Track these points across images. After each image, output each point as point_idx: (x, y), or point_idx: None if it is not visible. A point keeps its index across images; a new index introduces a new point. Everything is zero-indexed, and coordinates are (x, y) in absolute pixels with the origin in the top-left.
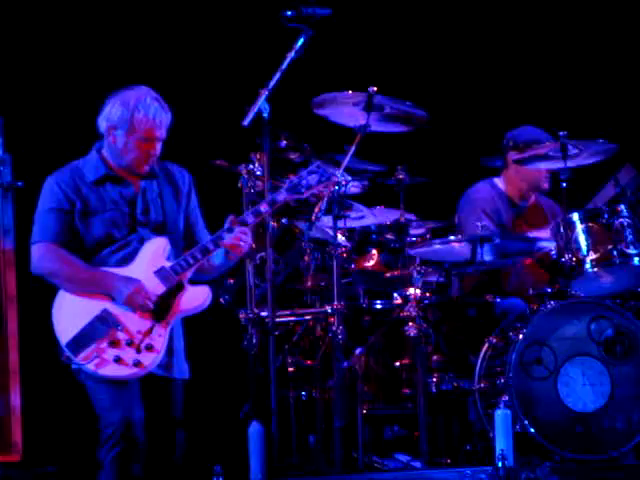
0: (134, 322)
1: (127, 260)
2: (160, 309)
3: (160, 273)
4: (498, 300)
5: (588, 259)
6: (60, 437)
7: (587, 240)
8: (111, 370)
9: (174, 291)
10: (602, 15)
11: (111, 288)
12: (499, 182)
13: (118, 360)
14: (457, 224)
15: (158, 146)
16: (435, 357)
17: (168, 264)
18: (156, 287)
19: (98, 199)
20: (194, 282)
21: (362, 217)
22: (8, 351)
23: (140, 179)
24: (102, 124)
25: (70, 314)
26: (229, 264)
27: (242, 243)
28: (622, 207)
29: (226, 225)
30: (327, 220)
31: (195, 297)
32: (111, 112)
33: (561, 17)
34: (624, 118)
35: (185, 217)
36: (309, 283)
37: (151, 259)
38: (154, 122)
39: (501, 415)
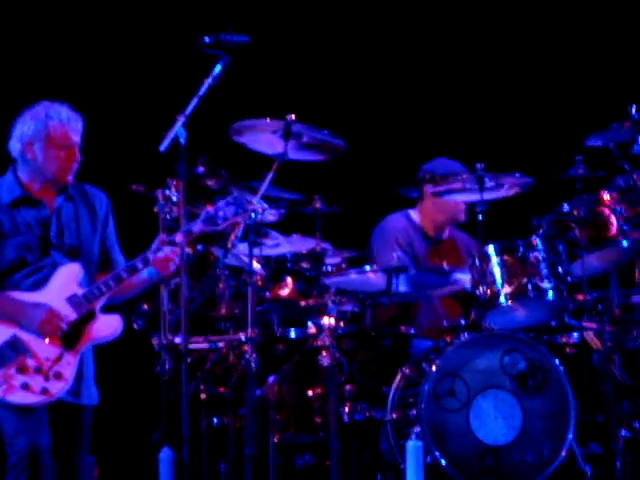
0: (43, 349)
1: (39, 285)
2: (70, 337)
3: (72, 300)
4: (414, 341)
5: (503, 292)
6: None
7: (502, 273)
8: (18, 397)
9: (85, 319)
10: (514, 45)
11: (20, 317)
12: (414, 214)
13: (25, 387)
14: (369, 254)
15: (76, 152)
16: (348, 387)
17: (80, 291)
18: (68, 314)
19: (11, 222)
20: (110, 307)
21: (278, 245)
22: None
23: (56, 197)
24: (16, 146)
25: None
26: (153, 282)
27: (171, 264)
28: (537, 241)
29: (154, 246)
30: (243, 247)
31: (106, 326)
32: (23, 129)
33: (473, 48)
34: (540, 152)
35: (101, 240)
36: (223, 310)
37: (63, 285)
38: (69, 126)
39: (412, 446)
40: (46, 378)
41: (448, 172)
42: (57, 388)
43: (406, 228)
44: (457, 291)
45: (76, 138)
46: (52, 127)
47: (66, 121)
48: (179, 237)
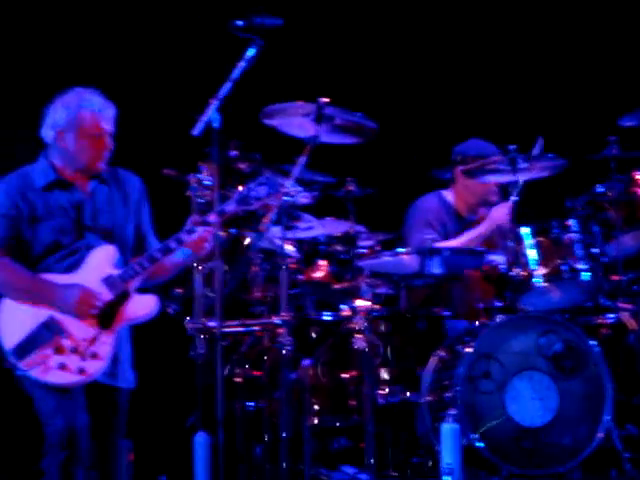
0: (79, 329)
1: (74, 267)
2: (106, 317)
3: (107, 281)
4: (448, 322)
5: (538, 273)
6: (4, 445)
7: (537, 254)
8: (55, 377)
9: (121, 299)
10: (550, 29)
11: (54, 299)
12: (447, 195)
13: (62, 367)
14: (403, 235)
15: (109, 140)
16: (383, 370)
17: (115, 272)
18: (103, 295)
19: (45, 205)
20: (145, 289)
21: (311, 228)
22: None
23: (90, 181)
24: (48, 133)
25: (15, 320)
26: (188, 263)
27: (205, 244)
28: (572, 222)
29: (187, 227)
30: (276, 231)
31: (142, 305)
32: (55, 118)
33: (506, 28)
34: (574, 133)
35: (135, 225)
36: (257, 294)
37: (98, 267)
38: (100, 115)
39: (448, 429)
40: (83, 358)
41: (480, 153)
42: (94, 368)
43: (439, 209)
44: (491, 272)
45: (108, 127)
46: (84, 116)
47: (98, 110)
48: (213, 217)
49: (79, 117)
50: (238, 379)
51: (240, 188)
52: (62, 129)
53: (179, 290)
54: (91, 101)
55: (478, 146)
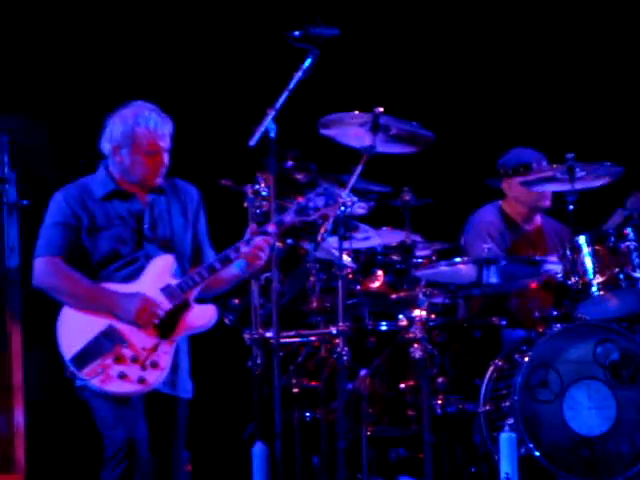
0: (139, 338)
1: (133, 277)
2: (166, 326)
3: (166, 290)
4: (505, 331)
5: (594, 282)
6: (63, 456)
7: (594, 263)
8: (115, 386)
9: (180, 309)
10: (610, 39)
11: (115, 307)
12: (505, 206)
13: (123, 376)
14: (463, 247)
15: (165, 156)
16: (440, 379)
17: (174, 281)
18: (162, 304)
19: (105, 215)
20: (203, 300)
21: (368, 238)
22: (12, 370)
23: (148, 194)
24: (105, 146)
25: (75, 329)
26: (245, 275)
27: (261, 253)
28: (629, 230)
29: (246, 237)
30: (333, 241)
31: (201, 315)
32: (112, 132)
33: (569, 41)
34: (631, 141)
35: (193, 234)
36: (314, 304)
37: (157, 276)
38: (156, 133)
39: (506, 438)
40: (143, 367)
41: (517, 163)
42: (154, 377)
43: (497, 219)
44: (548, 281)
45: (164, 144)
46: (139, 134)
47: (153, 128)
48: (271, 227)
49: (135, 134)
50: (295, 389)
51: (298, 199)
52: (118, 144)
53: (236, 300)
54: (148, 118)
55: (516, 155)
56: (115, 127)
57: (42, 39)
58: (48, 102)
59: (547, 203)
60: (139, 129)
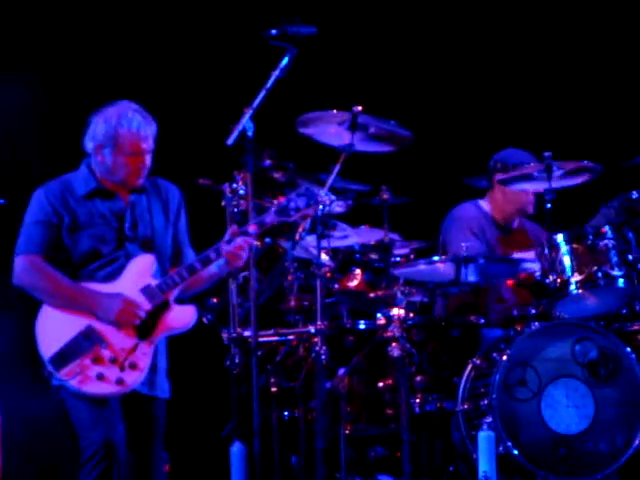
0: (118, 339)
1: (113, 276)
2: (145, 327)
3: (146, 291)
4: (484, 330)
5: (572, 280)
6: (40, 457)
7: (572, 261)
8: (94, 387)
9: (160, 309)
10: (587, 37)
11: (95, 307)
12: (483, 204)
13: (101, 377)
14: (442, 244)
15: (147, 158)
16: (418, 378)
17: (154, 282)
18: (142, 305)
19: (87, 214)
20: (182, 300)
21: (346, 237)
22: None
23: (130, 193)
24: (88, 144)
25: (54, 329)
26: (223, 274)
27: (242, 253)
28: (607, 229)
29: (226, 237)
30: (311, 239)
31: (181, 316)
32: (95, 131)
33: (545, 40)
34: (609, 139)
35: (173, 234)
36: (292, 303)
37: (137, 276)
38: (139, 135)
39: (484, 437)
40: (121, 368)
41: (519, 162)
42: (132, 378)
43: (478, 217)
44: (526, 279)
45: (146, 146)
46: (122, 135)
47: (136, 130)
48: (252, 228)
49: (117, 134)
50: (273, 389)
51: (279, 199)
52: (100, 143)
53: (214, 300)
54: (131, 119)
55: (517, 155)
56: (98, 127)
57: (25, 31)
58: (26, 101)
59: (531, 209)
60: (122, 130)
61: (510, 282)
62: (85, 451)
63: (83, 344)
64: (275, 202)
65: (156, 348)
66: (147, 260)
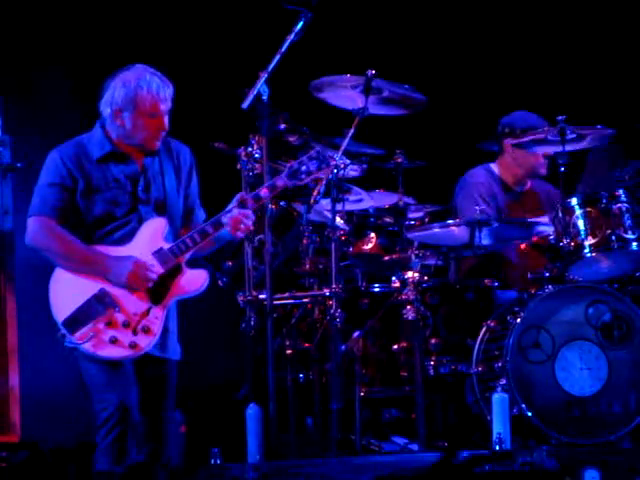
0: (131, 303)
1: (126, 239)
2: (157, 291)
3: (158, 254)
4: (498, 292)
5: (586, 244)
6: (58, 418)
7: (585, 225)
8: (107, 351)
9: (172, 273)
10: (599, 3)
11: (107, 270)
12: (495, 167)
13: (114, 341)
14: (454, 209)
15: (166, 120)
16: (433, 340)
17: (166, 245)
18: (154, 268)
19: (101, 177)
20: (195, 263)
21: (360, 200)
22: (7, 331)
23: (144, 156)
24: (105, 109)
25: (67, 292)
26: (229, 239)
27: (242, 226)
28: (621, 192)
29: (232, 203)
30: (325, 203)
31: (193, 280)
32: (114, 95)
33: (559, 3)
34: (622, 104)
35: (185, 195)
36: (307, 266)
37: (149, 239)
38: (158, 97)
39: (498, 399)
40: (134, 332)
41: (527, 125)
42: (145, 342)
43: (488, 181)
44: (540, 242)
45: (165, 107)
46: (141, 97)
47: (155, 91)
48: (264, 192)
49: (137, 97)
50: (289, 351)
51: (291, 162)
52: (119, 108)
53: (229, 263)
54: (150, 82)
55: (525, 117)
56: (117, 91)
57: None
58: (42, 64)
59: (543, 171)
60: (141, 92)
61: (523, 246)
62: (100, 414)
63: (96, 307)
64: (288, 165)
65: (168, 311)
66: (159, 223)
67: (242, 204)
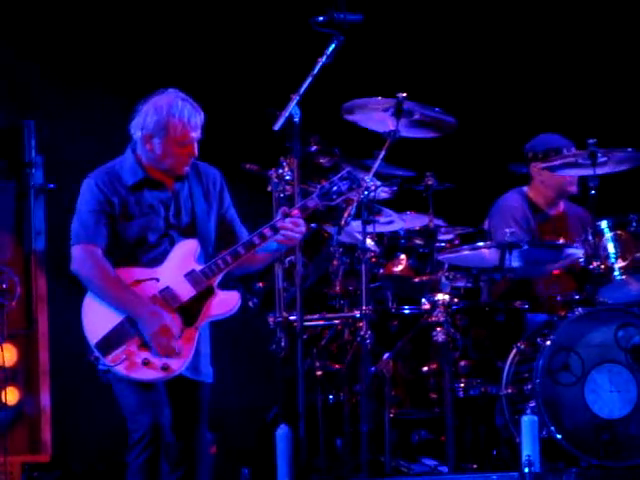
0: None
1: (158, 261)
2: (190, 312)
3: (190, 276)
4: (528, 315)
5: (616, 266)
6: (89, 438)
7: (615, 247)
8: (140, 373)
9: (204, 295)
10: (631, 23)
11: (137, 317)
12: (528, 191)
13: (147, 363)
14: (488, 231)
15: (195, 147)
16: (463, 362)
17: (198, 267)
18: (186, 290)
19: (136, 203)
20: (227, 285)
21: (391, 222)
22: (38, 351)
23: (174, 181)
24: (136, 133)
25: (100, 314)
26: (282, 251)
27: (295, 235)
28: None
29: (279, 215)
30: (356, 225)
31: (225, 302)
32: (145, 120)
33: (591, 28)
34: None
35: (219, 217)
36: (338, 287)
37: (181, 261)
38: (189, 125)
39: (528, 421)
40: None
41: (548, 148)
42: (177, 364)
43: (522, 205)
44: (571, 265)
45: (195, 135)
46: (173, 125)
47: (187, 119)
48: (295, 212)
49: (168, 124)
50: (319, 372)
51: (322, 183)
52: (150, 133)
53: (260, 284)
54: (182, 110)
55: (546, 140)
56: (148, 116)
57: (74, 22)
58: (73, 85)
59: (574, 189)
60: (173, 120)
61: (556, 272)
62: (133, 434)
63: (128, 330)
64: (319, 186)
65: (200, 333)
66: (191, 245)
67: (287, 216)
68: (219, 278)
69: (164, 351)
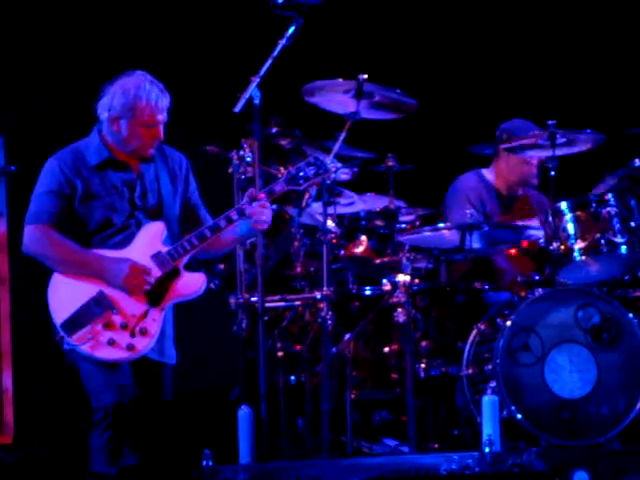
0: (129, 305)
1: (124, 244)
2: (155, 294)
3: (157, 258)
4: (489, 293)
5: (576, 247)
6: (52, 419)
7: (575, 229)
8: (105, 353)
9: (170, 276)
10: (592, 7)
11: (104, 272)
12: (487, 173)
13: (112, 343)
14: (443, 212)
15: (161, 129)
16: (424, 343)
17: (165, 249)
18: (152, 271)
19: (99, 184)
20: (205, 261)
21: (352, 203)
22: (0, 332)
23: (139, 163)
24: (103, 113)
25: (66, 295)
26: (251, 234)
27: (264, 217)
28: (610, 196)
29: (245, 199)
30: (317, 206)
31: (191, 283)
32: (113, 102)
33: (552, 8)
34: (611, 108)
35: (184, 200)
36: (299, 269)
37: (148, 243)
38: (156, 107)
39: (488, 401)
40: (132, 334)
41: (525, 134)
42: (143, 344)
43: (478, 187)
44: (529, 245)
45: (162, 117)
46: (140, 107)
47: (154, 102)
48: (262, 196)
49: (135, 106)
50: (280, 353)
51: (289, 168)
52: (117, 114)
53: (221, 266)
54: (149, 91)
55: (525, 126)
56: (116, 98)
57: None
58: (36, 67)
59: (535, 181)
60: (140, 102)
61: (512, 251)
62: (96, 413)
63: (94, 310)
64: (284, 171)
65: (165, 314)
66: (157, 227)
67: (254, 200)
68: (185, 260)
69: (138, 290)
